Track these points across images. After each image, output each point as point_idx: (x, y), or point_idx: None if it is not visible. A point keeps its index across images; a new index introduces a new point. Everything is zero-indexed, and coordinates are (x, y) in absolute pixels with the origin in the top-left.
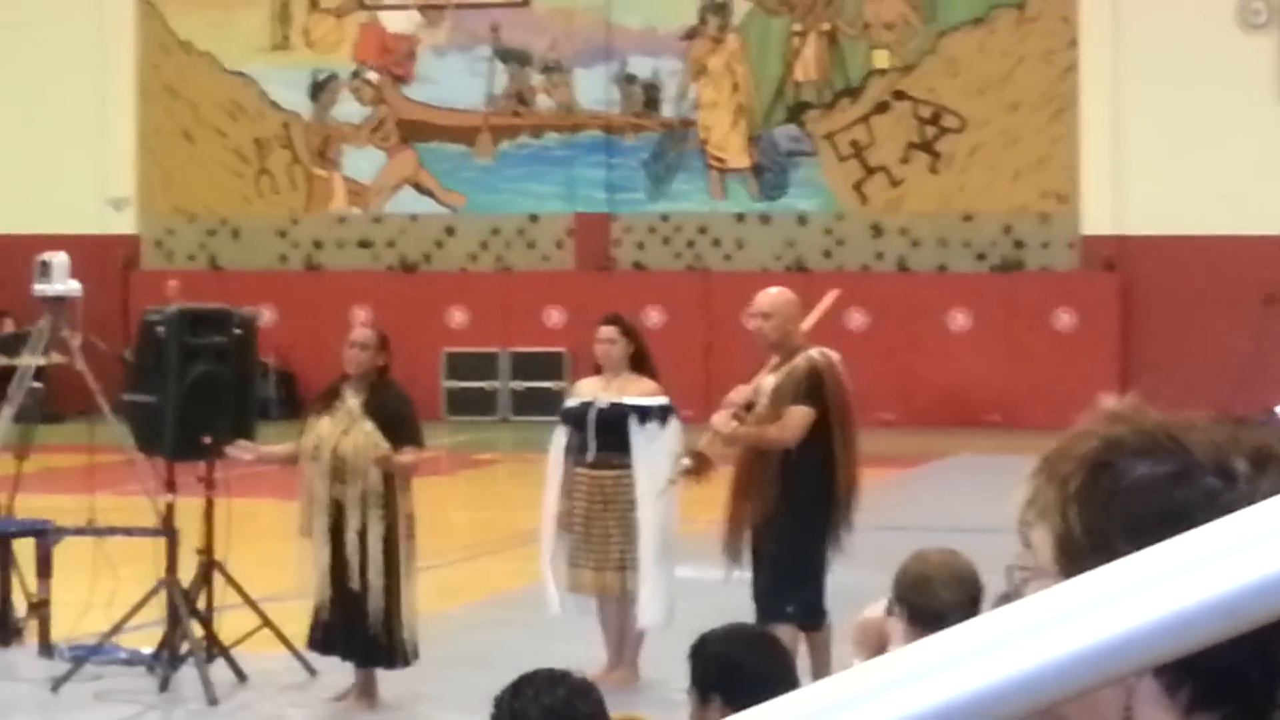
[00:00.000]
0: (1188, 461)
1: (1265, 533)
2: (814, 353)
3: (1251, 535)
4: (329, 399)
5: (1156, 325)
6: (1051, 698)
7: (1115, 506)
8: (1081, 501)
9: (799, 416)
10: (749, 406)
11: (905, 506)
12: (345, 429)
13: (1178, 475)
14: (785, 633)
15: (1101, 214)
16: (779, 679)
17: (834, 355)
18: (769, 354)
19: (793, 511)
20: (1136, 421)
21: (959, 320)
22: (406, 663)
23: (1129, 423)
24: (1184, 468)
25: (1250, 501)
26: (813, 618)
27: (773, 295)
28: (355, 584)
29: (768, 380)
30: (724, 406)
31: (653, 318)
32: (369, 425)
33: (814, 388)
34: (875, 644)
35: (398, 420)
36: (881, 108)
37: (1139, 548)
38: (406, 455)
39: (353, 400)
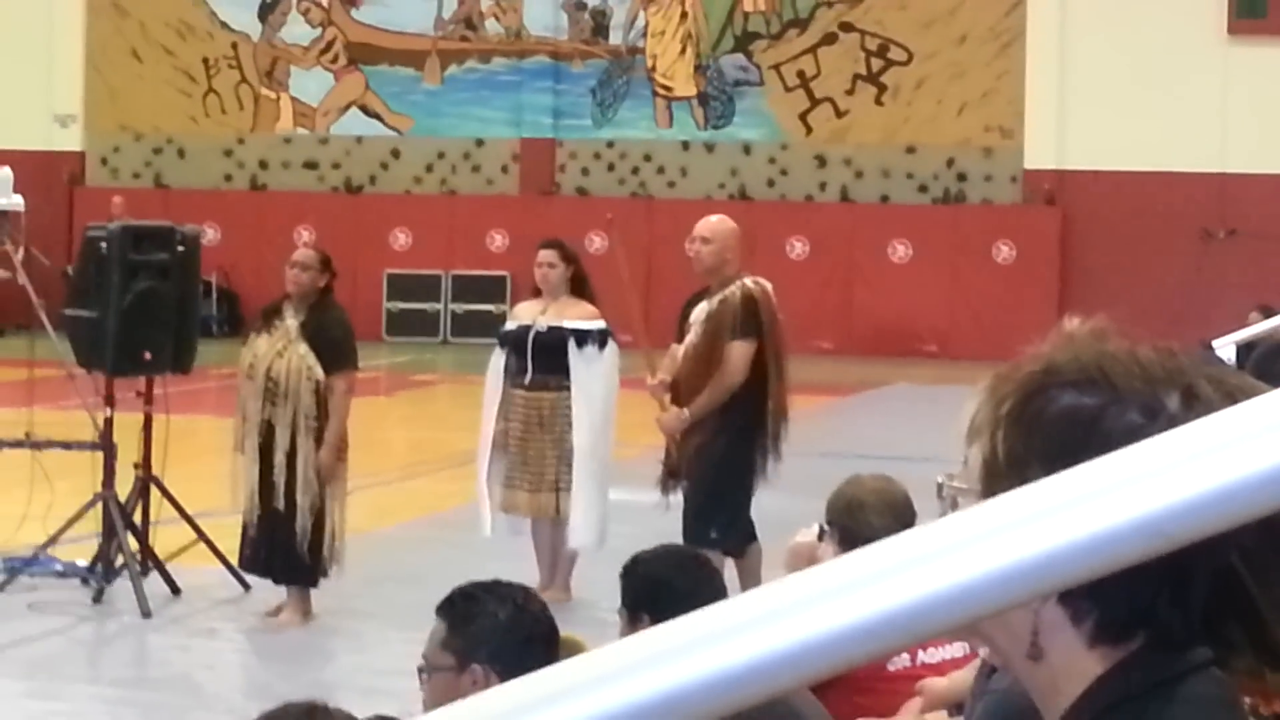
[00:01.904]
0: (1114, 395)
1: (1164, 463)
2: (748, 281)
3: (1156, 464)
4: (270, 316)
5: (1096, 259)
6: (960, 618)
7: (1037, 433)
8: (1009, 424)
9: (739, 352)
10: (674, 384)
11: (841, 434)
12: (280, 350)
13: (1102, 408)
14: (712, 558)
15: (1044, 148)
16: (708, 599)
17: (767, 284)
18: (704, 279)
19: (723, 438)
20: (1080, 350)
21: (900, 251)
22: (321, 579)
23: (1075, 350)
24: (1109, 401)
25: None
26: (737, 543)
27: (714, 222)
28: (281, 503)
29: (699, 308)
30: (654, 395)
31: (595, 243)
32: (303, 348)
33: (750, 318)
34: (806, 568)
35: (333, 344)
36: (829, 39)
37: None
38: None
39: (291, 320)
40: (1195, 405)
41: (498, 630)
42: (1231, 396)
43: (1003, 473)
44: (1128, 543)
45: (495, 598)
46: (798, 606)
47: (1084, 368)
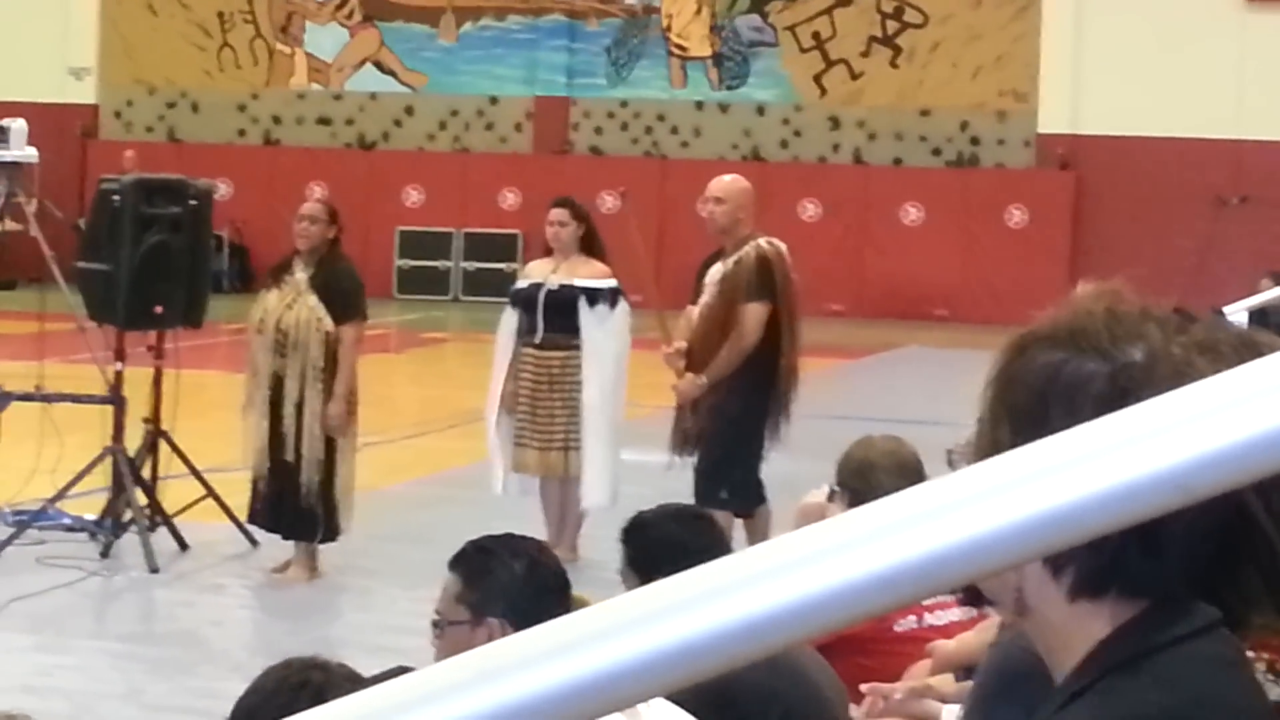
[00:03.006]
0: (1078, 349)
1: (1176, 418)
2: (763, 242)
3: (1166, 420)
4: (280, 273)
5: (1108, 225)
6: (965, 575)
7: (1009, 390)
8: (991, 385)
9: (754, 315)
10: (689, 350)
11: (851, 396)
12: (290, 303)
13: (1065, 361)
14: (720, 518)
15: (1058, 113)
16: (718, 556)
17: (781, 245)
18: (718, 239)
19: (736, 399)
20: (1070, 312)
21: (912, 214)
22: (333, 537)
23: (1064, 312)
24: (1072, 354)
25: (1132, 396)
26: (747, 503)
27: (727, 182)
28: (290, 456)
29: (715, 269)
30: (669, 363)
31: (608, 203)
32: (313, 300)
33: (764, 280)
34: None
35: (342, 294)
36: (844, 1)
37: (1016, 432)
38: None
39: (301, 274)
40: (1161, 358)
41: (514, 583)
42: (1212, 351)
43: (984, 431)
44: (1137, 498)
45: (510, 551)
46: (797, 563)
47: (1058, 326)
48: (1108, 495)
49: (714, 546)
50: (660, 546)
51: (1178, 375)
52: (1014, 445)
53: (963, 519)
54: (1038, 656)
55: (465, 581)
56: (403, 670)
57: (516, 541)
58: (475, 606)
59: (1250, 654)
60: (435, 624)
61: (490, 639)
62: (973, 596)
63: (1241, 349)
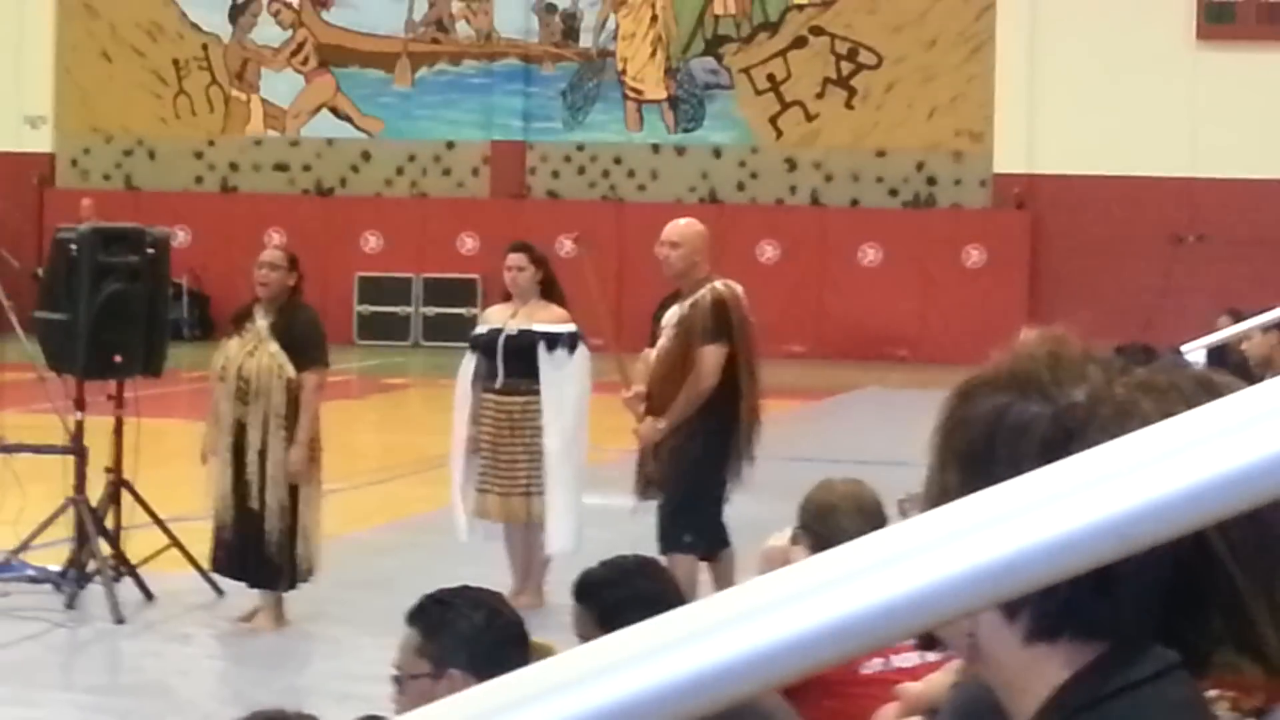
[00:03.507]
0: (1021, 393)
1: (1125, 465)
2: (719, 284)
3: (1114, 467)
4: (241, 320)
5: (1066, 264)
6: (921, 623)
7: (954, 436)
8: (937, 433)
9: (711, 357)
10: (648, 394)
11: (813, 438)
12: (251, 350)
13: (1008, 405)
14: (684, 562)
15: (1014, 152)
16: (670, 602)
17: (737, 286)
18: (674, 283)
19: (697, 442)
20: (1014, 356)
21: (870, 255)
22: (295, 584)
23: (1009, 357)
24: (1015, 398)
25: (1076, 437)
26: (711, 547)
27: (682, 226)
28: (254, 503)
29: (671, 311)
30: (629, 407)
31: (566, 246)
32: (274, 347)
33: (720, 322)
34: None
35: (303, 341)
36: (799, 43)
37: (964, 476)
38: (300, 439)
39: (262, 321)
40: (1103, 400)
41: (474, 634)
42: (1156, 391)
43: (933, 477)
44: (1087, 546)
45: (468, 603)
46: (751, 613)
47: (1001, 371)
48: (1056, 544)
49: (663, 591)
50: (618, 600)
51: (1121, 415)
52: (962, 489)
53: (914, 568)
54: (997, 703)
55: (425, 634)
56: None
57: (474, 593)
58: (436, 659)
59: (1214, 692)
60: (396, 679)
61: (452, 690)
62: (928, 641)
63: (1195, 389)
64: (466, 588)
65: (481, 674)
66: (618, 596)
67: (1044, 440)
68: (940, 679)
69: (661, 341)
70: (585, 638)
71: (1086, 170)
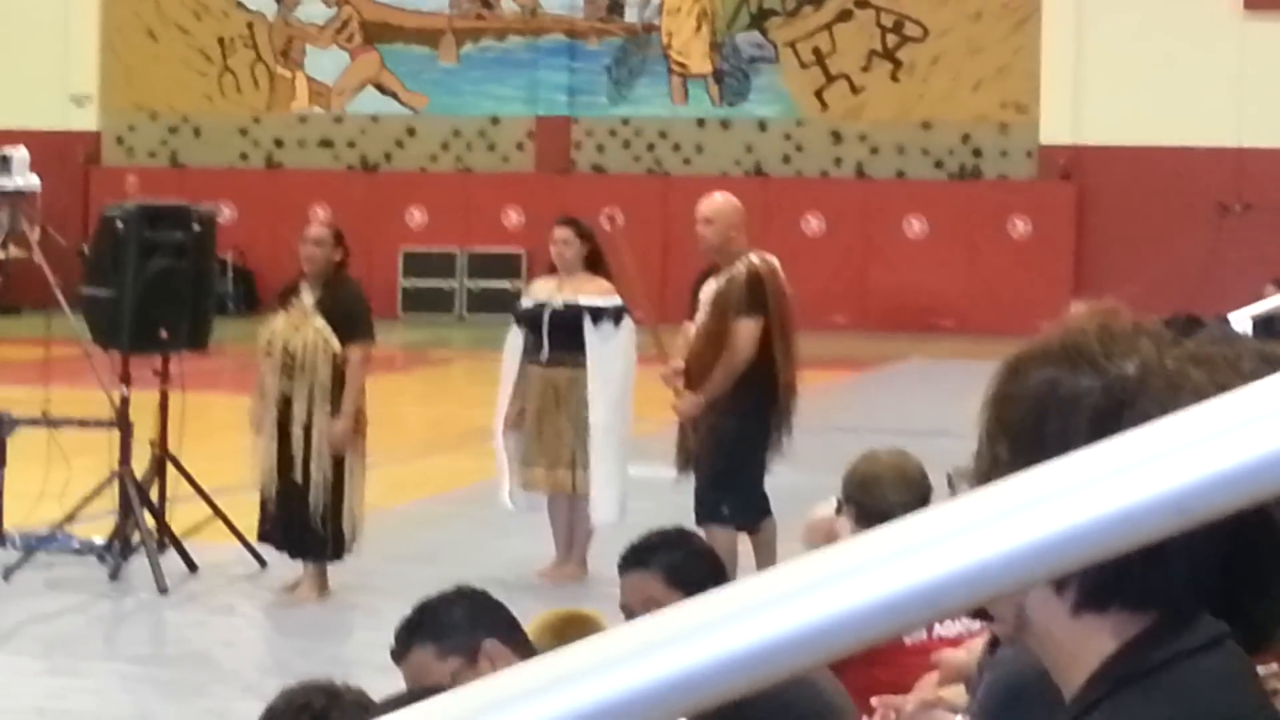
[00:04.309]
0: (1072, 366)
1: (1183, 441)
2: (754, 258)
3: (1172, 443)
4: (287, 296)
5: (1111, 235)
6: (975, 599)
7: (1005, 410)
8: (987, 407)
9: (746, 331)
10: (687, 369)
11: (857, 409)
12: (297, 325)
13: (1059, 378)
14: (723, 535)
15: (1060, 124)
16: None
17: (773, 260)
18: (711, 259)
19: (734, 415)
20: (1064, 329)
21: (915, 227)
22: (340, 555)
23: (1058, 329)
24: (1067, 371)
25: (1127, 409)
26: (750, 519)
27: (716, 201)
28: (299, 477)
29: (708, 286)
30: (668, 383)
31: (614, 223)
32: (320, 322)
33: (756, 296)
34: (824, 543)
35: (349, 316)
36: (844, 15)
37: (1015, 450)
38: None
39: (308, 297)
40: (1154, 372)
41: (475, 612)
42: (1207, 363)
43: (983, 451)
44: (1145, 521)
45: (442, 600)
46: (801, 590)
47: (1051, 344)
48: (1111, 519)
49: (714, 575)
50: (683, 562)
51: (1171, 388)
52: (1013, 463)
53: (967, 544)
54: (1045, 673)
55: (435, 638)
56: (415, 696)
57: (434, 598)
58: (463, 646)
59: (1275, 666)
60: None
61: (492, 659)
62: (976, 610)
63: (1257, 361)
64: (428, 598)
65: (504, 637)
66: (685, 553)
67: (1095, 413)
68: (980, 648)
69: (699, 317)
70: (639, 606)
71: (1132, 141)
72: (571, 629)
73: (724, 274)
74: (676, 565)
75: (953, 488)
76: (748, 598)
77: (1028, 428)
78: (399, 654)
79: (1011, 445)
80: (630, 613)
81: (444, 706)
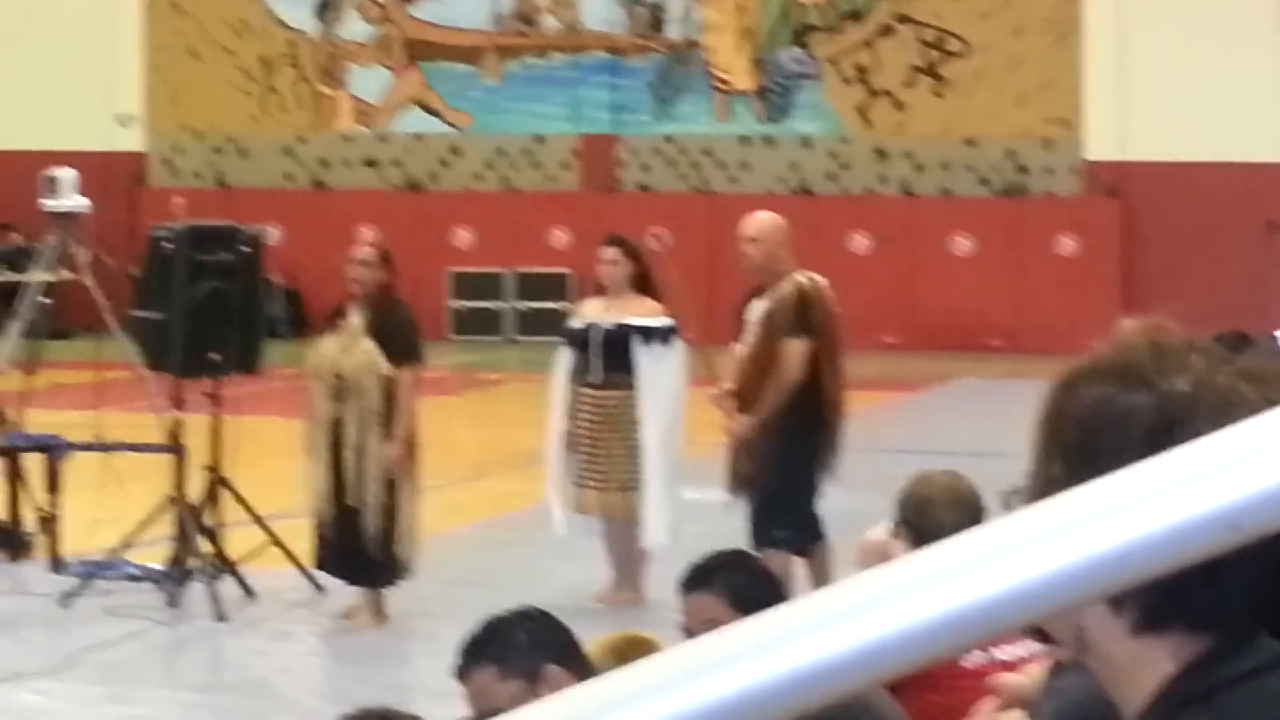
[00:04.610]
0: (1125, 383)
1: (1232, 457)
2: (801, 278)
3: (1222, 459)
4: (336, 318)
5: (1159, 251)
6: (1028, 617)
7: (1059, 427)
8: (1041, 425)
9: (795, 352)
10: (738, 391)
11: (908, 430)
12: (346, 347)
13: (1113, 395)
14: (776, 558)
15: (1105, 139)
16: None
17: (821, 280)
18: (757, 278)
19: (783, 438)
20: (1116, 346)
21: (962, 245)
22: (396, 581)
23: (1110, 347)
24: (1121, 388)
25: (1180, 426)
26: (803, 542)
27: (760, 220)
28: (352, 501)
29: (756, 307)
30: (719, 405)
31: (658, 242)
32: (369, 344)
33: (803, 317)
34: (879, 565)
35: (398, 338)
36: (886, 31)
37: (1069, 468)
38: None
39: (356, 319)
40: (1207, 388)
41: (538, 634)
42: (1258, 379)
43: (1038, 470)
44: (1195, 537)
45: (506, 621)
46: (857, 609)
47: (1103, 362)
48: (1162, 536)
49: (775, 598)
50: (745, 585)
51: (1225, 403)
52: (1067, 481)
53: (1017, 563)
54: (1108, 702)
55: (497, 659)
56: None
57: (502, 614)
58: (524, 670)
59: None
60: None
61: (551, 684)
62: (1038, 634)
63: None
64: (495, 616)
65: (564, 663)
66: (747, 575)
67: (1148, 430)
68: (1039, 672)
69: (747, 338)
70: (700, 628)
71: (1179, 156)
72: (633, 651)
73: (771, 295)
74: (739, 587)
75: (1009, 509)
76: (801, 618)
77: (1081, 445)
78: (462, 672)
79: (1065, 463)
80: (692, 634)
81: None
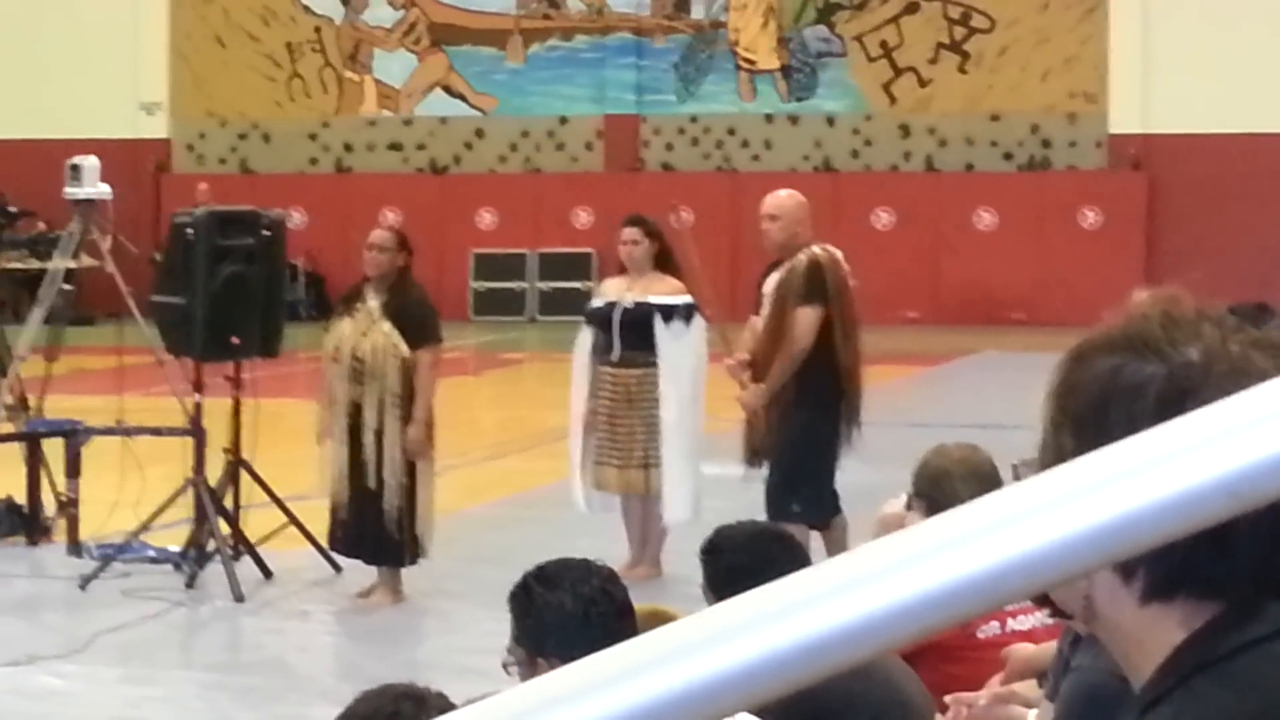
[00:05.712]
0: (1136, 352)
1: (1235, 424)
2: (815, 249)
3: (1225, 426)
4: (352, 301)
5: (1183, 223)
6: (1033, 585)
7: (1069, 397)
8: (1051, 396)
9: (805, 319)
10: (751, 361)
11: (929, 404)
12: (364, 330)
13: (1123, 364)
14: (794, 532)
15: (1129, 113)
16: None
17: (836, 251)
18: (777, 254)
19: (800, 410)
20: (1127, 317)
21: (985, 219)
22: (415, 560)
23: (1121, 318)
24: (1131, 358)
25: (1191, 395)
26: (821, 515)
27: (780, 198)
28: (371, 483)
29: (770, 280)
30: (733, 374)
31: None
32: (387, 326)
33: (815, 284)
34: None
35: (416, 320)
36: (911, 8)
37: (1079, 438)
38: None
39: (373, 302)
40: (1218, 357)
41: (560, 618)
42: (1271, 348)
43: (1048, 441)
44: (1195, 506)
45: (548, 586)
46: (867, 577)
47: (1114, 332)
48: (1162, 504)
49: (791, 564)
50: (730, 569)
51: (1236, 373)
52: (1077, 451)
53: (1031, 528)
54: (1123, 679)
55: (516, 620)
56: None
57: (576, 572)
58: (529, 647)
59: None
60: (504, 666)
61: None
62: (1047, 603)
63: None
64: (566, 565)
65: (572, 657)
66: (733, 564)
67: (1159, 400)
68: (1054, 643)
69: (763, 310)
70: (705, 596)
71: (1203, 129)
72: (654, 624)
73: (785, 265)
74: (712, 576)
75: (1019, 479)
76: (813, 585)
77: (1092, 416)
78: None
79: (1076, 434)
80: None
81: (537, 691)
